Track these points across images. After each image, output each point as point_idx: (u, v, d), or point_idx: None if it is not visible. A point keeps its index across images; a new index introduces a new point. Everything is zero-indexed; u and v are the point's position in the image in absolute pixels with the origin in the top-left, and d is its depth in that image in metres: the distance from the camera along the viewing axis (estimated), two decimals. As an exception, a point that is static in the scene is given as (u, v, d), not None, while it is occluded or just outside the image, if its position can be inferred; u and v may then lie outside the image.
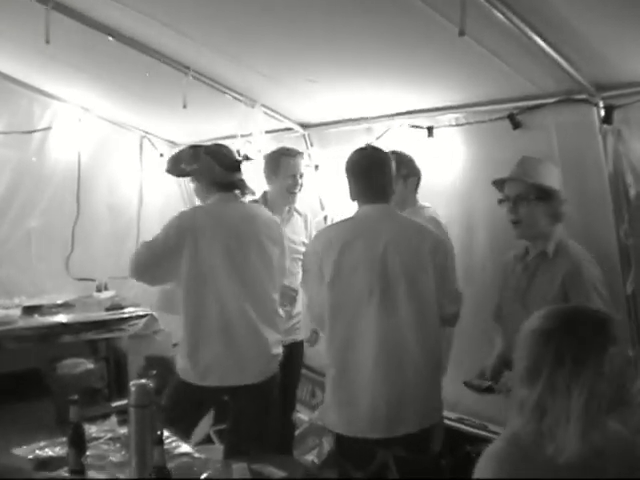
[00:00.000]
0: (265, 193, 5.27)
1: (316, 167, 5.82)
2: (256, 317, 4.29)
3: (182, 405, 4.22)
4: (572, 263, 3.46)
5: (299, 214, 5.34)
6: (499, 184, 3.75)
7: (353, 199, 3.84)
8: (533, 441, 2.04)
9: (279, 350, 4.45)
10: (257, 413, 4.38)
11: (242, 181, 4.43)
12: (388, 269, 3.57)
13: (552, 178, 3.64)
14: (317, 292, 3.76)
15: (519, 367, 2.10)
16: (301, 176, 5.18)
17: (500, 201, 3.70)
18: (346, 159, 3.89)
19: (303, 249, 5.01)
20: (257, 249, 4.31)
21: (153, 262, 4.37)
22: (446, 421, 4.20)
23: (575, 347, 2.00)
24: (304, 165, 5.25)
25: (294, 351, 5.26)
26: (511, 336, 3.32)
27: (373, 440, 3.61)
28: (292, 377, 5.43)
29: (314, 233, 5.22)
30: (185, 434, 3.61)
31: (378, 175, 3.77)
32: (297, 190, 5.16)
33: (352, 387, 3.64)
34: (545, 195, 3.56)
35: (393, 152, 4.08)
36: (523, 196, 3.57)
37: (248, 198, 4.68)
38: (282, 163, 5.14)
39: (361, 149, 3.96)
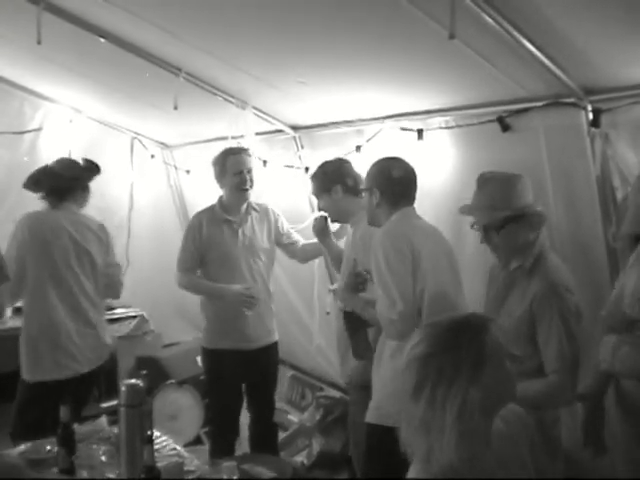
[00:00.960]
0: (220, 197, 5.30)
1: (306, 169, 5.83)
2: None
3: None
4: (544, 287, 3.33)
5: (256, 210, 5.32)
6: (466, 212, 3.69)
7: (393, 203, 3.89)
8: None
9: None
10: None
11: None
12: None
13: (517, 194, 3.49)
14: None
15: (406, 387, 2.11)
16: (249, 171, 5.14)
17: (472, 225, 3.65)
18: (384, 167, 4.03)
19: (267, 244, 5.07)
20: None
21: None
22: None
23: (451, 361, 2.04)
24: (250, 161, 5.21)
25: (270, 352, 5.26)
26: None
27: None
28: (267, 380, 5.43)
29: (284, 223, 5.34)
30: None
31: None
32: (247, 186, 5.14)
33: None
34: (516, 217, 3.45)
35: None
36: (492, 225, 3.47)
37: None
38: (227, 162, 5.15)
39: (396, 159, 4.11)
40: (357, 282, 4.00)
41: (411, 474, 2.13)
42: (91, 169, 5.06)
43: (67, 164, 5.03)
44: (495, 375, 2.04)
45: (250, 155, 5.24)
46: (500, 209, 3.43)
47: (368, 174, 4.03)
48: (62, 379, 4.56)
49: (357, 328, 3.96)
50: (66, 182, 4.85)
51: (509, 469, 2.18)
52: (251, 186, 5.15)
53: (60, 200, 4.84)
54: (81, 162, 5.02)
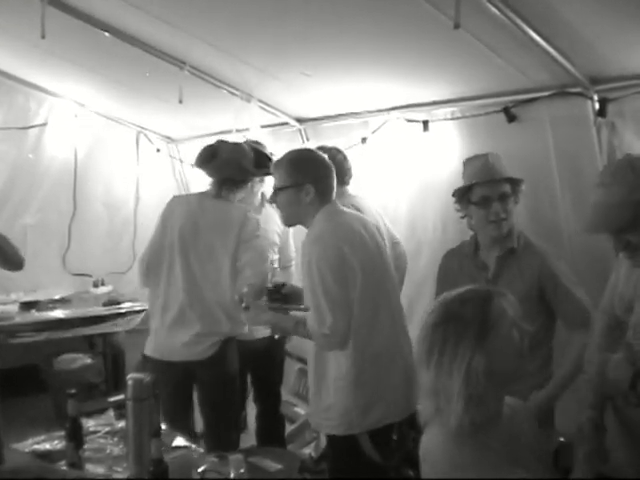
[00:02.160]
0: None
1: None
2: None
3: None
4: (541, 260, 3.48)
5: (270, 204, 5.29)
6: (463, 190, 3.70)
7: (322, 200, 3.58)
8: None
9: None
10: (210, 389, 4.51)
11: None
12: None
13: (509, 170, 3.67)
14: None
15: (418, 355, 2.25)
16: None
17: (464, 216, 3.70)
18: (315, 158, 3.68)
19: (277, 238, 5.05)
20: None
21: None
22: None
23: (455, 329, 2.14)
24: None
25: (274, 344, 5.24)
26: None
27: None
28: (273, 372, 5.42)
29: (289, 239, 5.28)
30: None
31: None
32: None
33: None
34: (517, 189, 3.62)
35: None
36: (507, 193, 3.58)
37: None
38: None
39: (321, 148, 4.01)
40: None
41: (425, 437, 2.27)
42: None
43: None
44: (500, 343, 2.13)
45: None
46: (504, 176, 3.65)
47: (294, 167, 3.57)
48: None
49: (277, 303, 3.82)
50: None
51: (518, 447, 2.25)
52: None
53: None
54: None
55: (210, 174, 4.50)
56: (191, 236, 4.41)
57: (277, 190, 3.59)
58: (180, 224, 4.44)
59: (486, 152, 3.73)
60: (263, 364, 5.22)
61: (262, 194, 5.18)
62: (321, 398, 3.52)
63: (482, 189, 3.57)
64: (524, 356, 2.20)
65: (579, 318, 3.44)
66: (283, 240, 5.23)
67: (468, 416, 2.09)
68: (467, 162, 3.75)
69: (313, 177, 3.51)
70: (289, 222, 3.79)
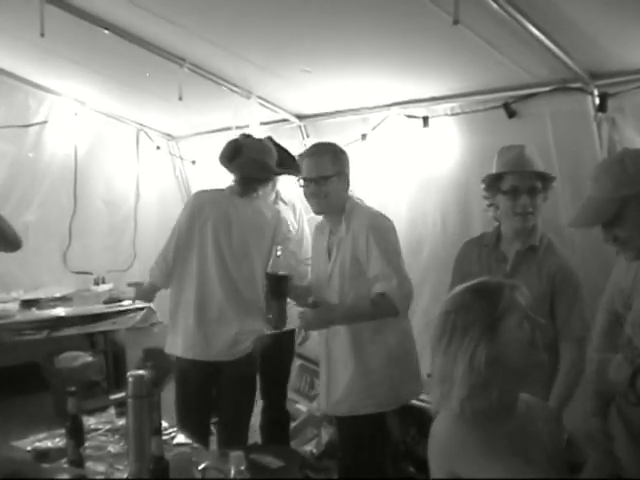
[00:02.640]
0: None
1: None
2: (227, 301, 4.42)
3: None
4: (561, 264, 3.47)
5: (285, 203, 5.31)
6: (493, 178, 3.66)
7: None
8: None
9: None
10: (235, 387, 4.50)
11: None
12: None
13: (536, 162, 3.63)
14: None
15: (431, 340, 2.27)
16: None
17: (491, 204, 3.67)
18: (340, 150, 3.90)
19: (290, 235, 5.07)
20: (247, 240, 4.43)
21: None
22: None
23: (463, 318, 2.16)
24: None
25: (284, 340, 5.25)
26: None
27: None
28: (282, 366, 5.43)
29: (305, 219, 5.25)
30: None
31: None
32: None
33: None
34: (547, 186, 3.57)
35: None
36: (537, 187, 3.53)
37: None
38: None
39: None
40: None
41: (435, 421, 2.29)
42: None
43: None
44: (509, 334, 2.13)
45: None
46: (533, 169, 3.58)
47: (335, 158, 3.81)
48: None
49: (280, 295, 3.85)
50: None
51: (529, 444, 2.25)
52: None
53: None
54: None
55: (234, 172, 4.47)
56: (225, 235, 4.42)
57: (321, 179, 3.74)
58: (213, 222, 4.43)
59: (522, 144, 3.68)
60: (272, 359, 5.23)
61: (277, 192, 5.19)
62: (367, 377, 3.74)
63: (513, 179, 3.53)
64: (536, 347, 2.19)
65: (577, 333, 3.43)
66: (298, 237, 5.22)
67: (469, 403, 2.13)
68: (501, 151, 3.71)
69: (346, 164, 3.84)
70: (324, 210, 3.90)
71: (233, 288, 4.41)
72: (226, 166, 4.47)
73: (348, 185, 3.85)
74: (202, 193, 4.71)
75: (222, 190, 4.54)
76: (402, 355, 3.82)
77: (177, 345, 4.54)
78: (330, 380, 3.89)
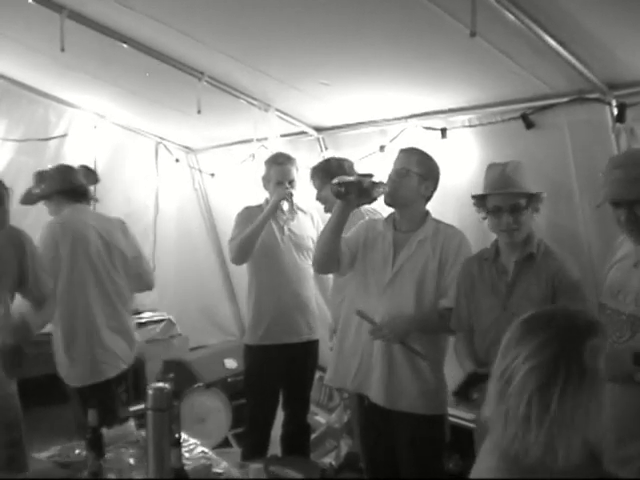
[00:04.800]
0: (267, 199, 5.25)
1: (331, 170, 5.82)
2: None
3: None
4: (559, 266, 3.47)
5: (304, 212, 5.35)
6: (480, 197, 3.67)
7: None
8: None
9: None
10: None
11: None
12: None
13: (530, 180, 3.61)
14: None
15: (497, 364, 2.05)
16: (290, 182, 5.13)
17: (485, 217, 3.64)
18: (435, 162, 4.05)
19: (311, 244, 5.09)
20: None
21: None
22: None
23: (577, 357, 1.92)
24: (293, 171, 5.18)
25: (309, 350, 5.26)
26: (487, 343, 3.44)
27: None
28: (305, 377, 5.44)
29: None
30: None
31: None
32: (290, 200, 5.12)
33: None
34: (534, 200, 3.55)
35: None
36: (519, 205, 3.50)
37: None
38: (271, 170, 5.17)
39: None
40: None
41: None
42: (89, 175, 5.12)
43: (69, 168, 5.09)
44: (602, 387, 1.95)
45: (294, 165, 5.21)
46: (525, 189, 3.54)
47: (424, 162, 4.00)
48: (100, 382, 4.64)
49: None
50: (81, 184, 4.87)
51: None
52: (291, 196, 5.11)
53: (79, 201, 4.87)
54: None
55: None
56: None
57: (407, 170, 3.93)
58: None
59: (507, 161, 3.67)
60: (297, 368, 5.25)
61: (294, 202, 5.21)
62: (426, 381, 3.90)
63: (494, 199, 3.54)
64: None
65: None
66: None
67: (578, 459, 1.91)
68: (487, 168, 3.73)
69: (434, 179, 4.02)
70: (395, 202, 4.00)
71: None
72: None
73: (429, 195, 4.03)
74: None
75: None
76: (443, 364, 4.01)
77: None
78: (391, 373, 3.91)
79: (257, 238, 5.04)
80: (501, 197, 3.53)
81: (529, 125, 4.34)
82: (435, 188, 4.02)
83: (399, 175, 3.92)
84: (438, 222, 4.01)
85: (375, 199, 3.87)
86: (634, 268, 3.07)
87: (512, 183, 3.52)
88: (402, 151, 4.07)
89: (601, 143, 4.04)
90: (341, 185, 3.77)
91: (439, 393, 3.93)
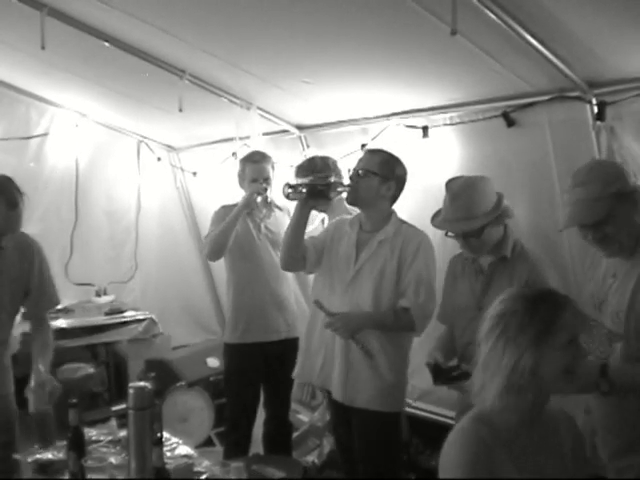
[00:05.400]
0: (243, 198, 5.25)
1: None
2: None
3: None
4: (534, 267, 3.48)
5: (280, 209, 5.34)
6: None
7: (392, 203, 4.06)
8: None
9: None
10: None
11: None
12: None
13: (485, 199, 3.56)
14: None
15: (483, 328, 2.32)
16: (265, 180, 5.13)
17: (447, 234, 3.64)
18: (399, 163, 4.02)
19: None
20: None
21: None
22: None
23: (520, 321, 2.20)
24: (268, 170, 5.17)
25: (288, 348, 5.26)
26: (465, 340, 3.48)
27: None
28: (285, 376, 5.43)
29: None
30: None
31: None
32: (263, 194, 5.12)
33: None
34: (487, 223, 3.51)
35: None
36: (473, 233, 3.51)
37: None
38: (246, 169, 5.17)
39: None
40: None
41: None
42: None
43: None
44: (552, 353, 2.18)
45: (269, 163, 5.20)
46: (478, 217, 3.50)
47: (386, 163, 3.96)
48: None
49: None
50: None
51: (546, 454, 2.29)
52: (265, 190, 5.11)
53: None
54: None
55: None
56: None
57: (366, 171, 3.90)
58: None
59: (464, 177, 3.66)
60: (277, 366, 5.25)
61: (270, 199, 5.21)
62: (383, 378, 3.88)
63: (449, 227, 3.60)
64: (570, 375, 2.23)
65: None
66: None
67: (505, 397, 2.20)
68: (445, 188, 3.73)
69: (398, 179, 3.99)
70: (355, 202, 4.03)
71: None
72: None
73: (393, 195, 4.01)
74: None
75: None
76: (407, 362, 4.01)
77: None
78: (349, 369, 3.94)
79: (230, 234, 5.03)
80: (449, 225, 3.57)
81: (510, 123, 4.36)
82: (399, 189, 4.02)
83: (359, 176, 3.91)
84: (402, 222, 4.01)
85: (331, 199, 4.00)
86: (611, 281, 3.09)
87: (463, 212, 3.53)
88: (366, 152, 4.12)
89: (582, 141, 4.07)
90: (290, 187, 3.87)
91: (396, 391, 3.96)
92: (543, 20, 3.34)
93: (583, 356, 2.30)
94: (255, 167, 5.12)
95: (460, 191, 3.57)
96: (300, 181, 3.99)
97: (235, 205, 5.09)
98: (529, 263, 3.50)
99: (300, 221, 3.99)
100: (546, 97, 4.11)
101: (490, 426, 2.23)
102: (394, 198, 4.02)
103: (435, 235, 4.16)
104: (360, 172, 3.91)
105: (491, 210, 3.52)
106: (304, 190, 3.86)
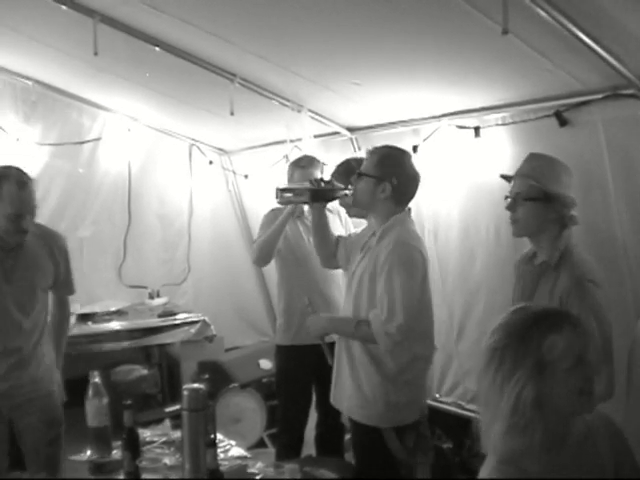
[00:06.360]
0: None
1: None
2: None
3: None
4: (573, 282, 3.28)
5: (330, 212, 5.33)
6: (508, 178, 3.67)
7: (399, 202, 3.81)
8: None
9: None
10: None
11: None
12: None
13: (558, 180, 3.47)
14: None
15: (480, 361, 2.17)
16: None
17: (506, 197, 3.60)
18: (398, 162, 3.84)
19: None
20: None
21: None
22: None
23: (514, 354, 2.05)
24: (316, 174, 5.09)
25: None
26: None
27: None
28: None
29: (352, 228, 5.25)
30: None
31: None
32: None
33: None
34: (545, 197, 3.42)
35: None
36: (522, 195, 3.46)
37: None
38: (295, 174, 5.18)
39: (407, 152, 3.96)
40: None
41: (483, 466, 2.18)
42: None
43: None
44: (557, 381, 2.03)
45: (317, 167, 5.20)
46: (539, 182, 3.44)
47: (380, 164, 3.78)
48: None
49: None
50: None
51: (583, 472, 2.14)
52: None
53: None
54: None
55: None
56: None
57: (360, 174, 3.81)
58: None
59: (551, 156, 3.62)
60: (328, 370, 5.25)
61: None
62: (361, 390, 3.75)
63: (511, 186, 3.58)
64: (586, 395, 2.07)
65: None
66: None
67: (508, 441, 2.05)
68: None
69: (394, 178, 3.72)
70: (356, 205, 3.97)
71: None
72: None
73: (391, 196, 3.75)
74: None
75: None
76: (407, 380, 3.73)
77: None
78: (337, 374, 3.97)
79: (276, 241, 5.09)
80: (513, 184, 3.53)
81: (563, 122, 4.30)
82: (399, 189, 3.75)
83: (355, 180, 3.86)
84: (390, 230, 3.74)
85: (333, 199, 4.09)
86: None
87: (525, 172, 3.50)
88: (366, 152, 3.95)
89: (636, 139, 4.00)
90: (284, 190, 3.99)
91: (377, 407, 3.71)
92: (595, 16, 3.29)
93: (597, 372, 2.15)
94: (303, 172, 5.11)
95: (541, 156, 3.59)
96: (289, 186, 4.00)
97: (284, 209, 5.11)
98: (572, 278, 3.30)
99: (317, 222, 4.10)
100: (599, 95, 4.05)
101: (516, 466, 2.07)
102: (397, 199, 3.78)
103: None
104: (358, 174, 3.85)
105: (561, 194, 3.43)
106: (289, 194, 4.02)
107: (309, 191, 3.98)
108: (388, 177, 3.71)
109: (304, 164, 5.16)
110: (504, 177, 3.70)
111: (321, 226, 4.10)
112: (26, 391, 3.99)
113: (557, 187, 3.44)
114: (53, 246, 4.12)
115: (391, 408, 3.69)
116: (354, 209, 4.29)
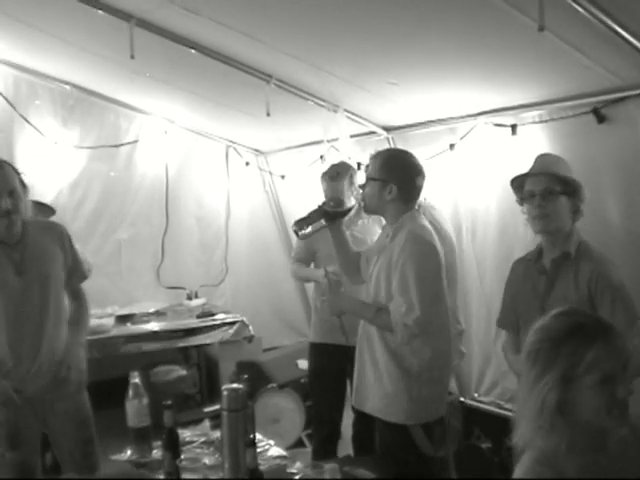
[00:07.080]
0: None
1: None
2: None
3: None
4: (597, 267, 3.34)
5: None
6: (519, 182, 3.65)
7: (407, 201, 3.82)
8: None
9: None
10: None
11: None
12: None
13: (571, 174, 3.52)
14: None
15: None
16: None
17: (521, 201, 3.61)
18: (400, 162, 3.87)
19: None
20: None
21: None
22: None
23: (546, 356, 2.09)
24: (344, 184, 5.11)
25: None
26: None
27: None
28: None
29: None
30: None
31: None
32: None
33: None
34: (570, 190, 3.46)
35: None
36: (551, 189, 3.46)
37: None
38: (323, 185, 5.21)
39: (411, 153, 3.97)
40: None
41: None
42: None
43: None
44: (590, 393, 2.03)
45: (344, 177, 5.13)
46: (565, 177, 3.47)
47: (384, 166, 3.79)
48: None
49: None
50: None
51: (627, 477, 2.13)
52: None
53: None
54: None
55: None
56: None
57: (368, 179, 3.84)
58: None
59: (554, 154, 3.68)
60: None
61: (359, 205, 5.21)
62: (385, 389, 3.75)
63: (529, 183, 3.54)
64: (614, 415, 2.04)
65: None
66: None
67: (538, 445, 2.07)
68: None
69: (398, 179, 3.73)
70: (368, 210, 4.01)
71: None
72: None
73: (404, 197, 3.76)
74: None
75: None
76: (431, 376, 3.74)
77: None
78: (359, 376, 3.94)
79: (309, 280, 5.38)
80: (534, 181, 3.51)
81: (601, 119, 4.26)
82: (405, 189, 3.75)
83: (363, 185, 3.90)
84: (401, 228, 3.75)
85: (345, 215, 4.10)
86: None
87: (547, 168, 3.50)
88: (370, 157, 3.94)
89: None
90: (298, 223, 3.94)
91: (398, 401, 3.71)
92: (633, 10, 3.26)
93: (629, 392, 2.06)
94: (329, 185, 5.14)
95: (549, 154, 3.66)
96: (298, 220, 3.98)
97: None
98: (593, 262, 3.37)
99: (337, 240, 4.12)
100: (638, 91, 4.02)
101: (553, 467, 2.05)
102: (405, 198, 3.78)
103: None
104: (364, 181, 3.89)
105: (581, 187, 3.49)
106: (306, 230, 3.97)
107: (321, 216, 3.98)
108: (393, 178, 3.74)
109: (331, 175, 5.17)
110: (517, 179, 3.67)
111: (341, 244, 4.13)
112: (52, 389, 3.98)
113: (575, 181, 3.50)
114: (56, 234, 4.10)
115: (416, 404, 3.70)
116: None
